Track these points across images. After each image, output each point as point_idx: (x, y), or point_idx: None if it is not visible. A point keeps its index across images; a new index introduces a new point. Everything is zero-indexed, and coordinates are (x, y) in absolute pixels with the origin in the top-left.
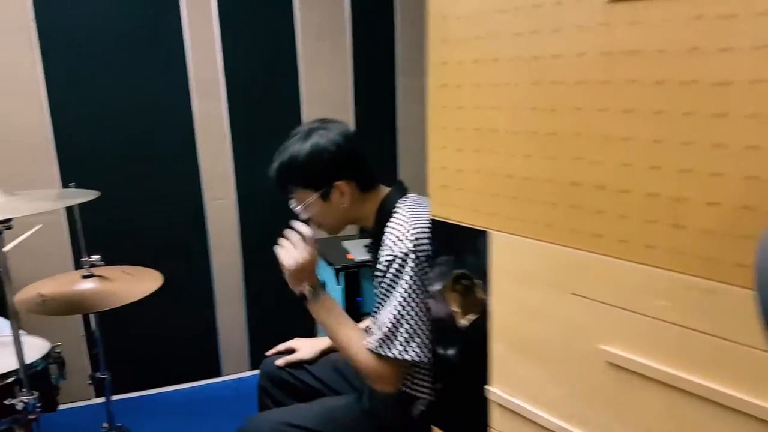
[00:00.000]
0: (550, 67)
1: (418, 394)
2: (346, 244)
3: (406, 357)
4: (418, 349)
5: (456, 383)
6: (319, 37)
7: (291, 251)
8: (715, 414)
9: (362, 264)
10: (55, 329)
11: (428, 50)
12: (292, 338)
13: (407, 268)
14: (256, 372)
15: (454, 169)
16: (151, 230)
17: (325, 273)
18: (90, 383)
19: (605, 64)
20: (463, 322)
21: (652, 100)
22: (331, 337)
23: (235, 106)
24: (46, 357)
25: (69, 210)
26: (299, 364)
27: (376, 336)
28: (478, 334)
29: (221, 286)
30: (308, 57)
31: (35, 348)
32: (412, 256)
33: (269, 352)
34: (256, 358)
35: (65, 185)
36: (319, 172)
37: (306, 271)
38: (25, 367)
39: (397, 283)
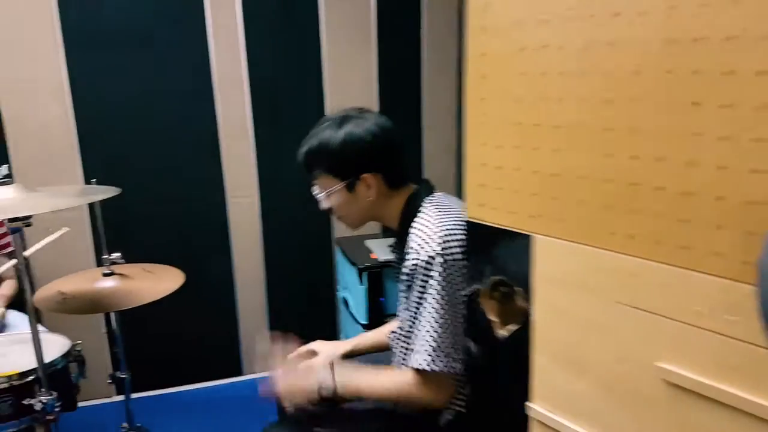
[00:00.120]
0: (605, 55)
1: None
2: (369, 243)
3: (455, 366)
4: (461, 360)
5: (492, 397)
6: (344, 35)
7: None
8: None
9: (386, 264)
10: (77, 326)
11: (467, 39)
12: (314, 339)
13: (434, 274)
14: None
15: (494, 167)
16: (173, 228)
17: (348, 273)
18: (110, 382)
19: (669, 53)
20: (502, 332)
21: (721, 92)
22: (371, 397)
23: (259, 105)
24: (67, 355)
25: (91, 207)
26: None
27: (420, 355)
28: (519, 345)
29: (243, 284)
30: (333, 54)
31: (56, 346)
32: (440, 260)
33: (290, 356)
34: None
35: (88, 182)
36: (348, 161)
37: (296, 381)
38: (45, 366)
39: (426, 291)
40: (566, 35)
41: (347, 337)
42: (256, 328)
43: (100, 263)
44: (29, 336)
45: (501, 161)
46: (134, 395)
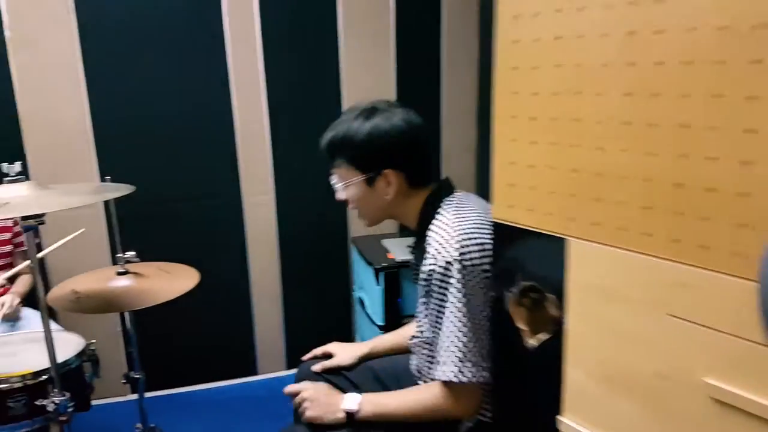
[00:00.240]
0: (651, 44)
1: None
2: (386, 242)
3: (483, 374)
4: (488, 368)
5: (520, 409)
6: (361, 31)
7: (310, 403)
8: None
9: (403, 264)
10: (92, 324)
11: (497, 27)
12: (330, 339)
13: (453, 280)
14: (293, 371)
15: (525, 165)
16: (189, 226)
17: (364, 273)
18: (124, 382)
19: (722, 42)
20: (532, 342)
21: None
22: (398, 418)
23: (275, 102)
24: (81, 354)
25: (107, 205)
26: (337, 370)
27: (447, 366)
28: (550, 356)
29: (258, 283)
30: (350, 51)
31: (70, 345)
32: (457, 265)
33: (305, 357)
34: (293, 358)
35: (103, 180)
36: (371, 155)
37: (324, 397)
38: (59, 366)
39: (446, 298)
40: (608, 22)
41: (363, 338)
42: (271, 328)
43: (115, 261)
44: (43, 334)
45: (534, 159)
46: (148, 394)
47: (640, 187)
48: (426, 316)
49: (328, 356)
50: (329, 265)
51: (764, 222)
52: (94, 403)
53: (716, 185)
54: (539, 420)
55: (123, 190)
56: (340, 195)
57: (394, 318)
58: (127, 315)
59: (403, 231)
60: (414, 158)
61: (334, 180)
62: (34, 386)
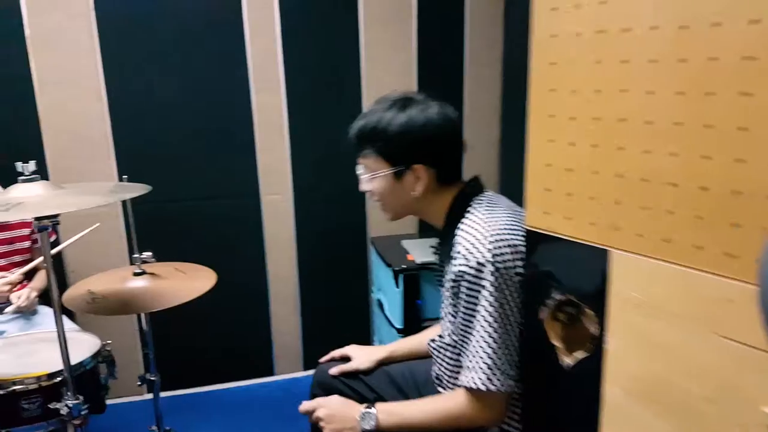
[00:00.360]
0: (705, 38)
1: None
2: (406, 243)
3: (512, 383)
4: (517, 377)
5: (552, 425)
6: (382, 26)
7: (327, 422)
8: None
9: (423, 266)
10: (109, 323)
11: (533, 21)
12: (347, 340)
13: (486, 283)
14: (310, 372)
15: (563, 168)
16: (206, 226)
17: (383, 274)
18: (140, 384)
19: None
20: (568, 360)
21: None
22: (418, 427)
23: (294, 100)
24: (96, 355)
25: (124, 204)
26: (354, 374)
27: (476, 373)
28: (587, 373)
29: (276, 284)
30: (371, 47)
31: (86, 345)
32: (491, 268)
33: (323, 359)
34: (310, 359)
35: (120, 179)
36: (403, 148)
37: (339, 412)
38: (73, 368)
39: (477, 302)
40: (656, 14)
41: (381, 342)
42: (288, 328)
43: (132, 261)
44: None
45: (573, 162)
46: (164, 394)
47: (691, 195)
48: (452, 319)
49: (345, 359)
50: (347, 266)
51: None
52: (108, 402)
53: None
54: None
55: (139, 189)
56: (365, 186)
57: (414, 321)
58: (143, 315)
59: (424, 232)
60: (446, 155)
61: (360, 170)
62: (48, 388)
